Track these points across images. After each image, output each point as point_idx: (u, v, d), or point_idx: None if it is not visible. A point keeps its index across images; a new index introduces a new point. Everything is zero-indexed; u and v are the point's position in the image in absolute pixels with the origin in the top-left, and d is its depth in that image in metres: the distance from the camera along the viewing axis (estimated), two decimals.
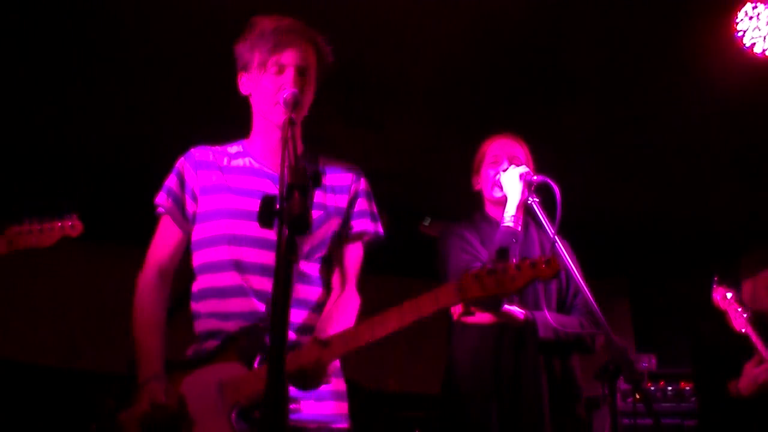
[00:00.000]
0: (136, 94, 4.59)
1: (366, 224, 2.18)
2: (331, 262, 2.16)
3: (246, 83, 2.15)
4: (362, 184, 2.21)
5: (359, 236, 2.18)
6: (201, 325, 2.06)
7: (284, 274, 1.45)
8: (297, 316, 2.04)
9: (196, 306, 2.10)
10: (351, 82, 4.25)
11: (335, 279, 2.15)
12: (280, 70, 2.05)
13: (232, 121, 2.34)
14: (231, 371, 1.88)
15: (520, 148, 2.96)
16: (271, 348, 1.41)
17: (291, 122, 1.75)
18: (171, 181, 2.16)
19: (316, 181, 1.91)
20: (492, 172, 2.91)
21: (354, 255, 2.17)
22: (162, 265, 2.13)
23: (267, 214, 1.52)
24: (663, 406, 5.12)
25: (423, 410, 5.78)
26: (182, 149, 2.21)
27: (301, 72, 2.06)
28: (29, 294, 6.14)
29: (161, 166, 2.24)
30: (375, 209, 2.23)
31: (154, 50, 4.11)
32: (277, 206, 1.53)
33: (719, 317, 3.39)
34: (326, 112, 2.27)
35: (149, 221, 2.18)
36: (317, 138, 2.24)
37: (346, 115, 4.77)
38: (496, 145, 2.97)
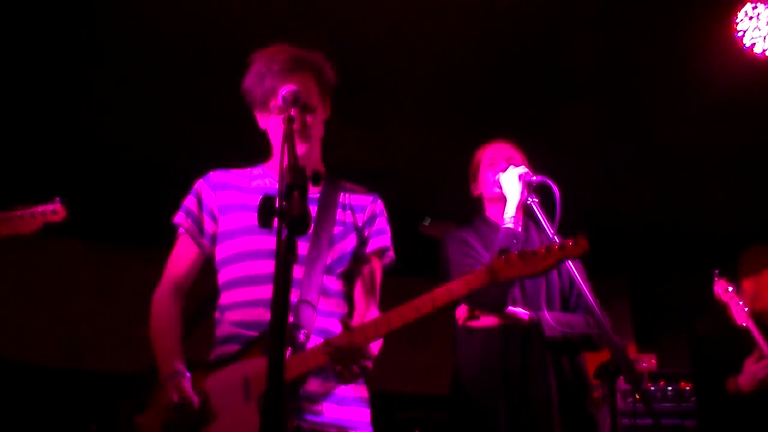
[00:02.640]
0: (144, 96, 4.58)
1: (385, 240, 2.26)
2: (353, 278, 2.22)
3: (260, 120, 2.26)
4: (379, 206, 2.31)
5: (379, 253, 2.25)
6: (221, 331, 2.13)
7: (284, 275, 1.45)
8: (328, 324, 2.07)
9: (219, 316, 2.17)
10: (351, 82, 4.24)
11: (357, 295, 2.21)
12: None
13: (238, 121, 2.36)
14: (257, 366, 1.90)
15: (515, 151, 2.97)
16: (271, 349, 1.41)
17: (290, 120, 1.76)
18: (189, 202, 2.24)
19: (316, 180, 1.92)
20: (491, 174, 2.91)
21: (375, 272, 2.24)
22: (178, 280, 2.21)
23: (266, 214, 1.52)
24: (663, 406, 5.11)
25: (423, 410, 5.78)
26: (185, 151, 2.22)
27: (302, 107, 2.11)
28: (30, 294, 6.14)
29: (163, 167, 2.24)
30: (390, 232, 2.30)
31: (164, 49, 4.11)
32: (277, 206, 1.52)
33: (718, 313, 3.39)
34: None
35: (149, 221, 2.19)
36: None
37: (346, 115, 4.76)
38: (492, 149, 2.99)
